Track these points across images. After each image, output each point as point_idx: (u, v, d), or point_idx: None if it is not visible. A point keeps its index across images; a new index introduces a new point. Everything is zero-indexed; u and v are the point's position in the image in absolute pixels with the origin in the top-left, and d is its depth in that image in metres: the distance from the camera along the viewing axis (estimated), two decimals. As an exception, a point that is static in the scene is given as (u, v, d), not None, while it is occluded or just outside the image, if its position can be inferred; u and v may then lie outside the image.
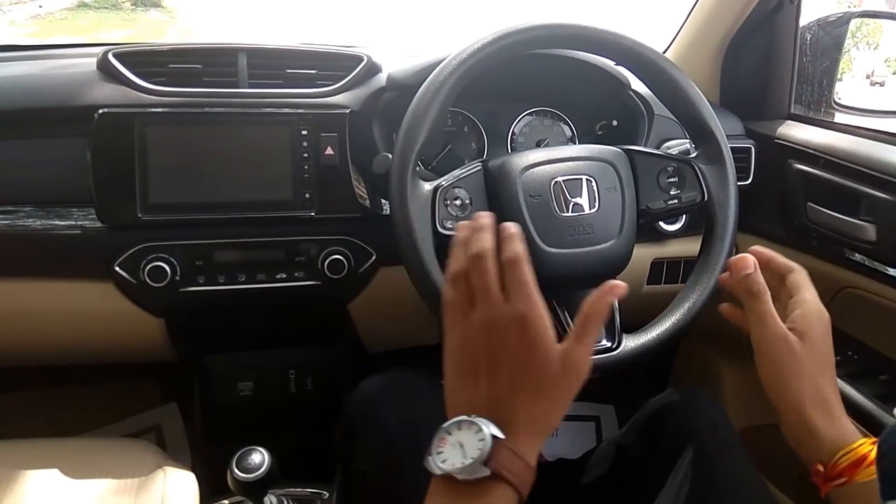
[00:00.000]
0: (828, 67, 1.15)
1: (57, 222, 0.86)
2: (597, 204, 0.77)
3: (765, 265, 0.64)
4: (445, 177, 0.75)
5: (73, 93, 0.87)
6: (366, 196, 0.92)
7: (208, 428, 1.15)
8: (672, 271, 1.10)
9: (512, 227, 0.52)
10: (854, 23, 1.20)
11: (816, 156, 1.01)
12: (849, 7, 1.16)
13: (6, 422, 1.16)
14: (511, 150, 1.06)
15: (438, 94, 0.74)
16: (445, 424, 0.46)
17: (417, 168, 0.75)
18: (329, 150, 0.89)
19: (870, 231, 0.92)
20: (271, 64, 0.93)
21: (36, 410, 1.34)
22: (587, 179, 0.77)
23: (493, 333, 0.49)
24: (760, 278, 0.63)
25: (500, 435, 0.45)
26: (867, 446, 0.54)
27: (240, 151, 0.87)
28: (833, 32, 1.14)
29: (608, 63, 0.99)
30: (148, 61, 0.90)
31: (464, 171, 0.77)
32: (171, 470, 0.79)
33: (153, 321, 0.94)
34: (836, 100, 1.17)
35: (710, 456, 0.79)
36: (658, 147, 1.00)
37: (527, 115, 1.07)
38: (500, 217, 0.75)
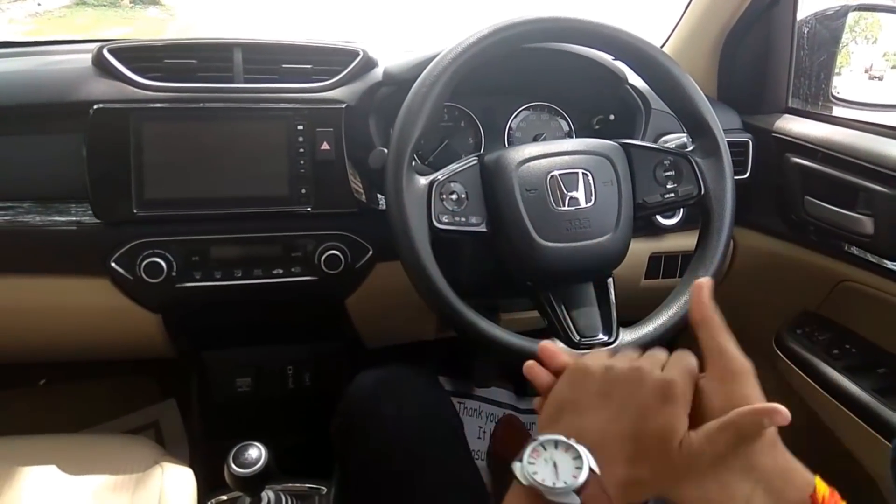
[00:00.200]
0: (825, 61, 1.15)
1: (57, 218, 0.86)
2: (593, 198, 0.77)
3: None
4: (441, 171, 0.75)
5: (69, 88, 0.87)
6: (362, 191, 0.92)
7: (206, 424, 1.15)
8: (670, 266, 1.10)
9: None
10: (852, 16, 1.20)
11: (814, 149, 1.01)
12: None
13: (4, 418, 1.16)
14: (508, 144, 1.06)
15: (434, 89, 0.73)
16: (543, 438, 0.44)
17: (414, 163, 0.75)
18: (325, 146, 0.89)
19: (867, 224, 0.92)
20: (267, 59, 0.93)
21: (35, 407, 1.35)
22: (583, 173, 0.77)
23: (640, 383, 0.47)
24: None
25: (598, 471, 0.43)
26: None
27: (235, 147, 0.87)
28: (830, 26, 1.14)
29: (605, 57, 0.99)
30: (143, 57, 0.90)
31: (460, 165, 0.76)
32: (169, 466, 0.79)
33: (150, 317, 0.94)
34: (834, 93, 1.17)
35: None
36: (655, 141, 1.00)
37: (524, 109, 1.06)
38: (496, 211, 0.76)
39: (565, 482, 0.42)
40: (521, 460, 0.44)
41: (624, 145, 0.81)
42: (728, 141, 0.82)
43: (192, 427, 1.25)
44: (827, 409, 0.98)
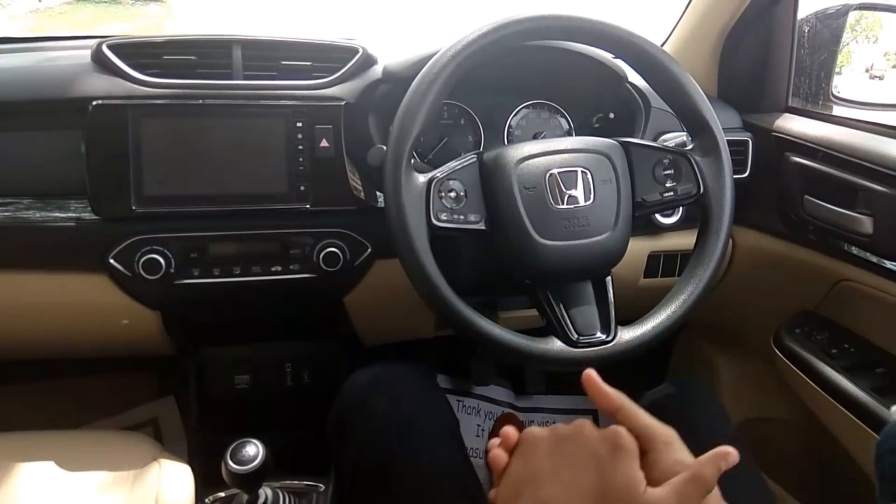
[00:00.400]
0: (826, 60, 1.15)
1: (56, 214, 0.86)
2: (592, 196, 0.76)
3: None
4: (440, 169, 0.75)
5: (68, 85, 0.87)
6: (361, 188, 0.92)
7: (204, 421, 1.16)
8: (668, 265, 1.10)
9: None
10: (853, 16, 1.20)
11: (814, 148, 1.01)
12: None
13: (3, 414, 1.16)
14: (507, 143, 1.06)
15: (433, 86, 0.73)
16: None
17: (413, 160, 0.75)
18: (324, 143, 0.89)
19: (867, 224, 0.92)
20: (266, 56, 0.93)
21: (33, 403, 1.34)
22: (582, 171, 0.77)
23: (588, 436, 0.49)
24: None
25: None
26: None
27: (234, 144, 0.87)
28: (831, 25, 1.13)
29: (605, 55, 0.99)
30: (142, 53, 0.90)
31: (458, 163, 0.76)
32: (167, 462, 0.79)
33: (149, 314, 0.94)
34: (835, 93, 1.17)
35: (705, 448, 0.79)
36: (655, 140, 1.00)
37: (523, 107, 1.06)
38: (495, 209, 0.75)
39: None
40: None
41: (623, 144, 0.81)
42: (728, 140, 0.81)
43: (190, 424, 1.25)
44: (825, 409, 0.98)
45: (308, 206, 0.90)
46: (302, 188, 0.89)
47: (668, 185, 0.81)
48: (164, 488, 0.76)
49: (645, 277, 1.10)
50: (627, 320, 0.78)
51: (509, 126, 1.06)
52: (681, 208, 1.04)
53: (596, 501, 0.45)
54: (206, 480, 0.86)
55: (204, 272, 0.89)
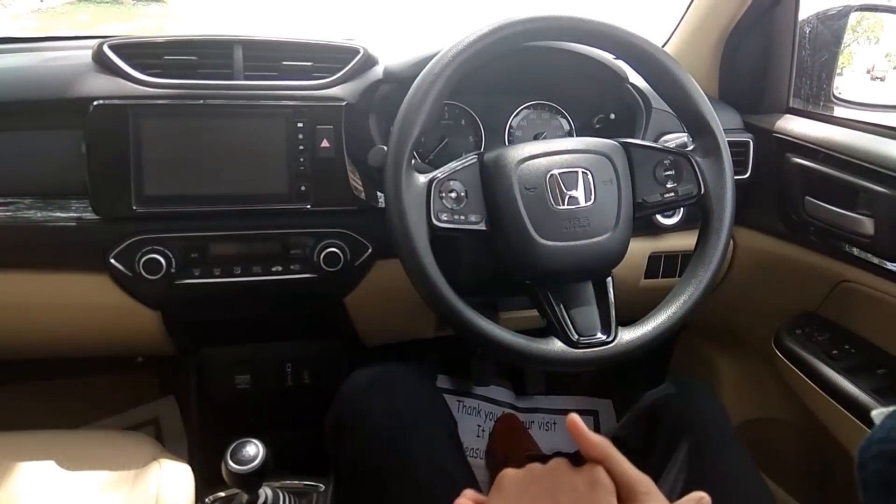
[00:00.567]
0: (827, 61, 1.14)
1: (57, 214, 0.86)
2: (592, 197, 0.76)
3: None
4: (441, 169, 0.75)
5: (69, 84, 0.87)
6: (361, 189, 0.92)
7: (205, 420, 1.16)
8: (669, 265, 1.10)
9: None
10: (854, 17, 1.19)
11: (815, 150, 1.01)
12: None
13: (3, 414, 1.16)
14: (508, 143, 1.06)
15: (433, 87, 0.73)
16: None
17: (413, 161, 0.75)
18: (325, 143, 0.89)
19: (868, 225, 0.92)
20: (267, 56, 0.93)
21: (34, 403, 1.35)
22: (583, 172, 0.77)
23: (565, 473, 0.51)
24: None
25: None
26: None
27: (235, 144, 0.87)
28: (832, 26, 1.13)
29: (606, 56, 0.99)
30: (143, 53, 0.90)
31: (459, 163, 0.76)
32: (167, 462, 0.79)
33: (149, 314, 0.94)
34: (836, 94, 1.17)
35: (706, 449, 0.79)
36: (656, 140, 1.00)
37: (524, 108, 1.06)
38: (496, 209, 0.75)
39: None
40: None
41: (624, 144, 0.81)
42: (728, 140, 0.81)
43: (190, 424, 1.25)
44: (826, 410, 0.97)
45: (309, 206, 0.90)
46: (303, 188, 0.89)
47: (668, 185, 0.81)
48: (164, 488, 0.76)
49: (645, 278, 1.10)
50: (628, 321, 0.78)
51: (510, 127, 1.06)
52: (681, 209, 1.04)
53: None
54: (207, 480, 0.86)
55: (205, 272, 0.89)
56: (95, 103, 0.83)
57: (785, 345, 1.06)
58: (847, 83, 1.24)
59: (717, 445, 0.79)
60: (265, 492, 0.78)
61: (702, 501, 0.49)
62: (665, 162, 0.81)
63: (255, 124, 0.88)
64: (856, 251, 0.97)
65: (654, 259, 1.09)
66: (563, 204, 0.75)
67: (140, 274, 0.86)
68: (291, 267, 0.92)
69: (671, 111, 0.85)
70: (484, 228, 0.76)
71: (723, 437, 0.81)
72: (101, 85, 0.87)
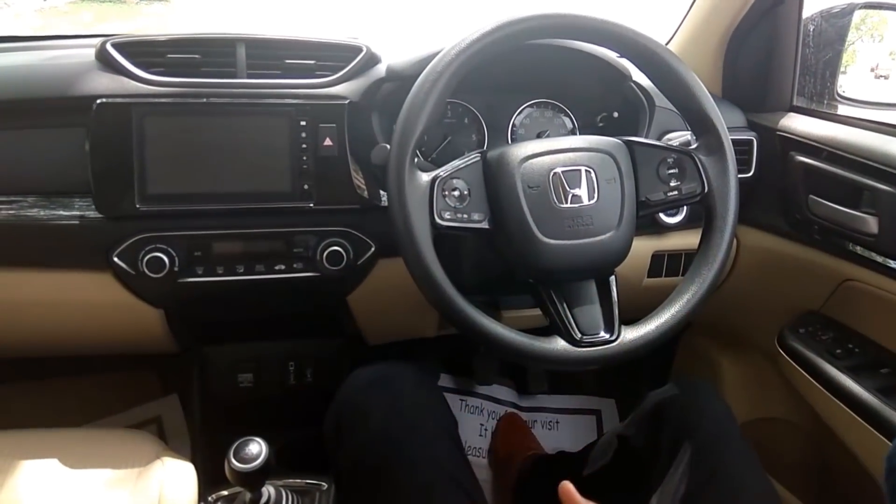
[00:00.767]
0: (831, 59, 1.14)
1: (60, 212, 0.86)
2: (596, 195, 0.76)
3: None
4: (444, 167, 0.75)
5: (72, 83, 0.87)
6: (364, 187, 0.92)
7: (207, 419, 1.16)
8: (672, 264, 1.09)
9: None
10: (858, 14, 1.19)
11: (819, 148, 1.00)
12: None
13: (7, 412, 1.16)
14: (511, 141, 1.06)
15: (436, 85, 0.73)
16: None
17: (416, 159, 0.75)
18: (328, 141, 0.89)
19: (872, 223, 0.92)
20: (270, 54, 0.93)
21: (38, 401, 1.35)
22: (586, 170, 0.76)
23: None
24: None
25: None
26: None
27: (238, 142, 0.87)
28: (836, 24, 1.13)
29: (609, 54, 0.99)
30: (146, 51, 0.90)
31: (462, 161, 0.76)
32: (170, 460, 0.79)
33: (152, 312, 0.94)
34: (840, 92, 1.16)
35: (711, 448, 0.78)
36: (659, 139, 1.00)
37: (527, 106, 1.06)
38: (499, 208, 0.75)
39: None
40: None
41: (627, 142, 0.81)
42: (732, 139, 0.81)
43: (193, 422, 1.25)
44: (830, 409, 0.97)
45: (311, 204, 0.90)
46: (305, 187, 0.89)
47: (672, 184, 0.80)
48: (167, 486, 0.76)
49: (649, 277, 1.10)
50: (631, 320, 0.78)
51: (513, 125, 1.06)
52: (685, 208, 1.03)
53: None
54: (210, 478, 0.86)
55: (208, 270, 0.89)
56: (99, 102, 0.83)
57: (788, 344, 1.06)
58: (851, 81, 1.24)
59: (721, 445, 0.79)
60: (268, 490, 0.78)
61: None
62: (668, 160, 0.81)
63: (258, 123, 0.88)
64: (860, 250, 0.97)
65: (657, 258, 1.09)
66: (567, 202, 0.75)
67: (143, 272, 0.86)
68: (294, 265, 0.92)
69: (675, 109, 0.85)
70: (487, 227, 0.76)
71: (727, 436, 0.81)
72: (105, 83, 0.87)
